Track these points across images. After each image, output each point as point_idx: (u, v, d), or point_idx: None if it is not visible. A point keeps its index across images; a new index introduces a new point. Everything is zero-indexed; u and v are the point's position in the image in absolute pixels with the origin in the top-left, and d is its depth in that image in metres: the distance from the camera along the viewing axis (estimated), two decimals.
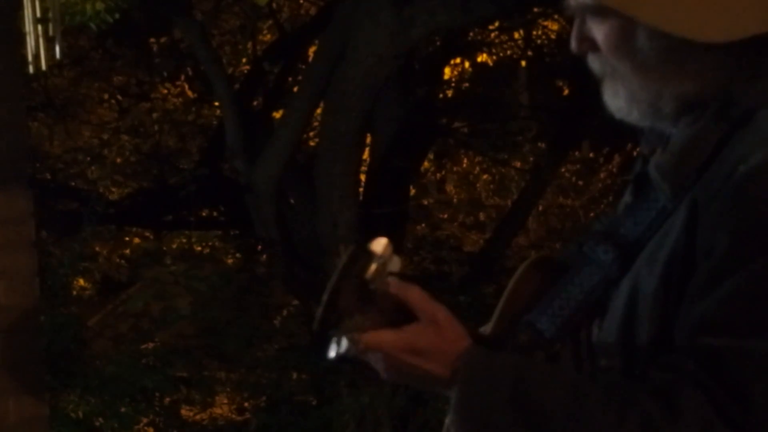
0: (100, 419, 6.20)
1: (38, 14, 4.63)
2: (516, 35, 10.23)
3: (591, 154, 10.83)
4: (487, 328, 1.58)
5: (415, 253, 9.22)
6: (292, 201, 7.40)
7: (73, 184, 9.79)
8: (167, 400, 6.71)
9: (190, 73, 9.97)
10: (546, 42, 10.15)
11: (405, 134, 8.07)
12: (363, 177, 7.98)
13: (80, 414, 6.14)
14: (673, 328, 1.38)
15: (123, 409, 6.24)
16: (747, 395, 1.30)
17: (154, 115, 10.19)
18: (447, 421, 1.51)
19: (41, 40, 4.66)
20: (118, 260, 9.68)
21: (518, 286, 1.57)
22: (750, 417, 1.30)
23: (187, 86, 10.21)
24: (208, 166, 8.82)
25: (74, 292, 8.21)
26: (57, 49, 4.74)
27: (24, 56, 4.67)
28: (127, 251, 9.95)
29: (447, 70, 10.07)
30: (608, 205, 10.11)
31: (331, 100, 6.61)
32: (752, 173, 1.34)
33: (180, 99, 10.33)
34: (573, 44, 1.50)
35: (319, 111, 7.29)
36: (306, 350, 6.65)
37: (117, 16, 5.82)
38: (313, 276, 6.52)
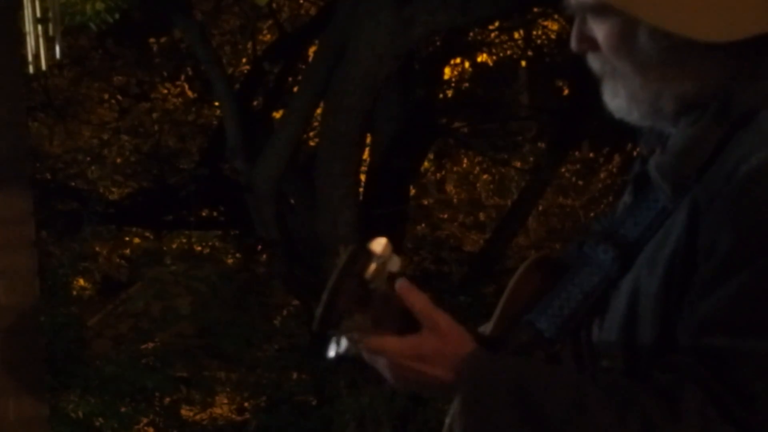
0: (100, 419, 6.20)
1: (38, 14, 4.63)
2: (516, 35, 10.24)
3: (591, 154, 10.83)
4: (487, 328, 1.58)
5: (415, 253, 9.22)
6: (292, 201, 7.40)
7: (73, 184, 9.79)
8: (167, 400, 6.71)
9: (190, 73, 9.98)
10: (546, 42, 10.15)
11: (405, 134, 8.07)
12: (363, 177, 7.98)
13: (80, 414, 6.14)
14: (674, 328, 1.38)
15: (123, 409, 6.24)
16: (749, 395, 1.30)
17: (154, 115, 10.19)
18: (447, 421, 1.51)
19: (41, 40, 4.66)
20: (118, 260, 9.69)
21: (518, 286, 1.57)
22: (752, 417, 1.30)
23: (187, 86, 10.21)
24: (208, 166, 8.82)
25: (74, 292, 8.21)
26: (57, 49, 4.74)
27: (24, 56, 4.67)
28: (127, 251, 9.96)
29: (447, 70, 10.07)
30: (608, 205, 10.11)
31: (331, 100, 6.61)
32: (753, 173, 1.33)
33: (180, 99, 10.34)
34: (573, 44, 1.49)
35: (319, 111, 7.29)
36: (306, 350, 6.65)
37: (117, 16, 5.82)
38: (313, 276, 6.52)
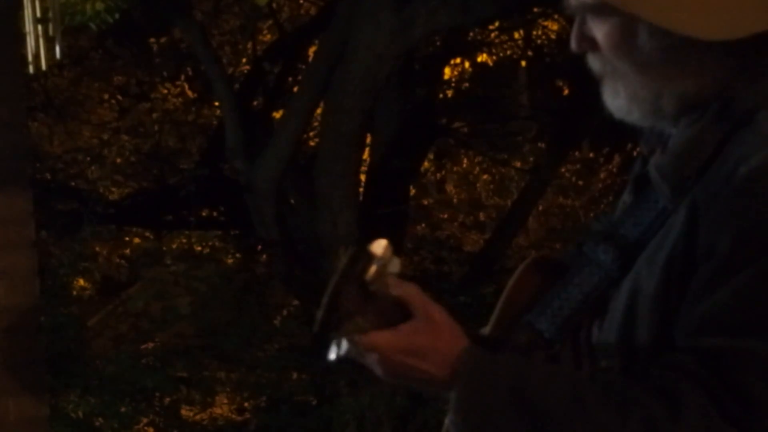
0: (100, 419, 6.20)
1: (38, 14, 4.63)
2: (516, 35, 10.23)
3: (591, 154, 10.81)
4: (486, 329, 1.58)
5: (415, 253, 9.21)
6: (292, 201, 7.39)
7: (73, 184, 9.78)
8: (167, 400, 6.71)
9: (190, 73, 9.97)
10: (546, 42, 10.15)
11: (405, 134, 8.07)
12: (363, 177, 7.98)
13: (80, 414, 6.14)
14: (673, 328, 1.38)
15: (123, 409, 6.24)
16: (748, 395, 1.30)
17: (154, 115, 10.18)
18: (447, 421, 1.50)
19: (41, 40, 4.66)
20: (118, 260, 9.68)
21: (517, 287, 1.57)
22: (751, 416, 1.30)
23: (187, 86, 10.21)
24: (208, 166, 8.82)
25: (74, 292, 8.20)
26: (57, 49, 4.74)
27: (24, 56, 4.67)
28: (127, 251, 9.94)
29: (447, 70, 10.06)
30: (608, 205, 10.10)
31: (331, 100, 6.61)
32: (753, 174, 1.33)
33: (180, 99, 10.33)
34: (573, 43, 1.49)
35: (319, 111, 7.29)
36: (306, 350, 6.65)
37: (117, 16, 5.82)
38: (313, 276, 6.52)
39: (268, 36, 10.26)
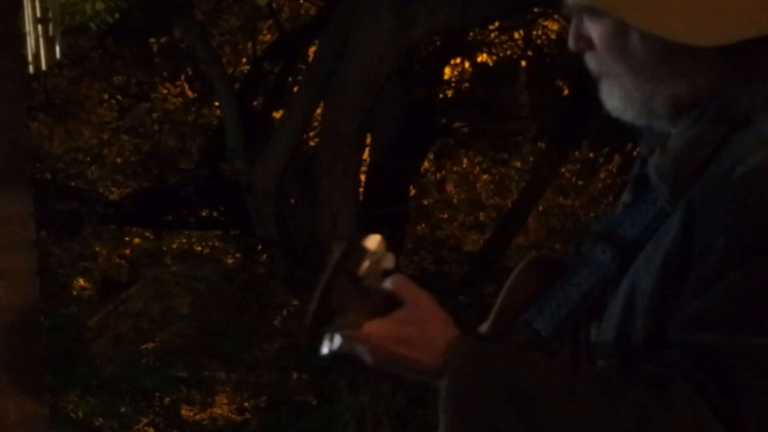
0: (100, 419, 6.19)
1: (38, 14, 4.64)
2: (516, 35, 10.23)
3: (591, 154, 10.82)
4: (484, 327, 1.58)
5: (415, 253, 9.22)
6: (292, 201, 7.39)
7: (73, 184, 9.78)
8: (167, 400, 6.70)
9: (190, 73, 9.97)
10: (546, 42, 10.15)
11: (405, 134, 8.07)
12: (363, 177, 7.98)
13: (80, 414, 6.14)
14: (668, 326, 1.39)
15: (123, 409, 6.23)
16: (736, 389, 1.31)
17: (154, 115, 10.19)
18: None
19: (41, 40, 4.67)
20: (118, 260, 9.67)
21: (516, 286, 1.57)
22: (740, 411, 1.31)
23: (187, 86, 10.21)
24: (208, 166, 8.82)
25: (74, 292, 8.20)
26: (57, 49, 4.75)
27: (24, 56, 4.67)
28: (127, 251, 9.94)
29: (447, 70, 10.07)
30: (608, 205, 10.10)
31: (331, 100, 6.61)
32: (749, 175, 1.34)
33: (180, 99, 10.33)
34: (570, 43, 1.51)
35: (319, 111, 7.29)
36: (306, 350, 6.64)
37: (117, 16, 5.82)
38: (313, 276, 6.51)
39: (268, 36, 10.26)
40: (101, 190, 9.43)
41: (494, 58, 10.35)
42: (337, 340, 1.46)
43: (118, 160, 10.05)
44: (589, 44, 1.48)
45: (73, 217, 7.54)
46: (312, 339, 1.55)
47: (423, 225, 10.40)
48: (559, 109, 9.93)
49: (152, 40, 9.64)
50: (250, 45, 9.76)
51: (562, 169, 10.44)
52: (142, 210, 9.65)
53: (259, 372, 6.97)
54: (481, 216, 11.31)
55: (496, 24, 9.57)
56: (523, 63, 10.37)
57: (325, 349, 1.48)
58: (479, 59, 10.28)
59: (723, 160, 1.39)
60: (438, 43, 9.21)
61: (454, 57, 9.99)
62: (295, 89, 8.04)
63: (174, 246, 9.24)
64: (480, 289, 7.84)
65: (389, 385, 5.94)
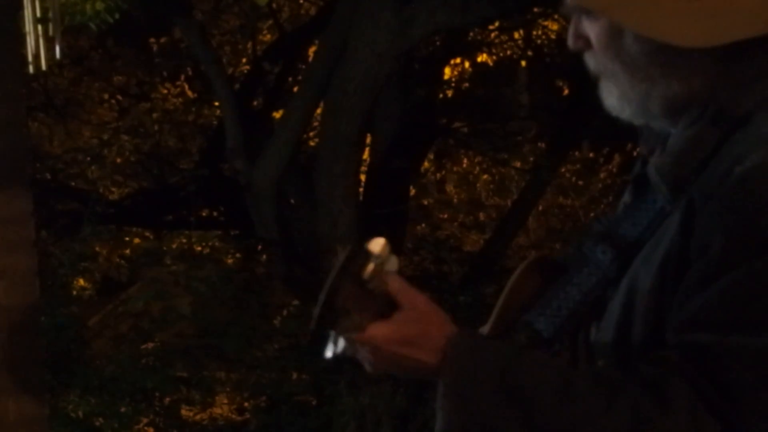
0: (100, 419, 6.19)
1: (38, 14, 4.64)
2: (516, 35, 10.24)
3: (591, 154, 10.83)
4: (485, 328, 1.58)
5: (415, 253, 9.22)
6: (292, 201, 7.39)
7: (73, 184, 9.79)
8: (167, 400, 6.70)
9: (190, 73, 9.98)
10: (546, 42, 10.16)
11: (405, 134, 8.07)
12: (363, 177, 7.98)
13: (80, 414, 6.14)
14: (666, 326, 1.39)
15: (123, 409, 6.23)
16: (734, 389, 1.31)
17: (154, 115, 10.19)
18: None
19: (41, 40, 4.67)
20: (118, 260, 9.67)
21: (516, 286, 1.57)
22: (736, 410, 1.31)
23: (187, 86, 10.22)
24: (208, 166, 8.82)
25: (74, 292, 8.20)
26: (57, 49, 4.75)
27: (24, 56, 4.67)
28: (127, 251, 9.94)
29: (447, 70, 10.07)
30: (608, 205, 10.11)
31: (331, 100, 6.61)
32: (748, 174, 1.34)
33: (180, 99, 10.34)
34: (569, 41, 1.51)
35: (319, 111, 7.29)
36: (306, 350, 6.65)
37: (117, 16, 5.82)
38: (313, 276, 6.52)
39: (268, 36, 10.27)
40: (101, 190, 9.43)
41: (494, 58, 10.35)
42: (341, 342, 1.46)
43: (118, 160, 10.05)
44: (587, 44, 1.49)
45: (73, 217, 7.55)
46: (315, 341, 1.54)
47: (423, 225, 10.41)
48: (559, 109, 9.93)
49: (152, 40, 9.64)
50: (250, 45, 9.76)
51: (562, 169, 10.44)
52: (142, 210, 9.65)
53: (259, 372, 6.97)
54: (481, 216, 11.32)
55: (496, 24, 9.57)
56: (523, 63, 10.38)
57: (329, 352, 1.48)
58: (479, 59, 10.29)
59: (722, 160, 1.39)
60: (438, 43, 9.21)
61: (454, 57, 9.99)
62: (295, 89, 8.04)
63: (174, 246, 9.25)
64: (480, 289, 7.84)
65: (389, 385, 5.95)
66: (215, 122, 9.88)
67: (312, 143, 9.01)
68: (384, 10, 6.14)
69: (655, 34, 1.40)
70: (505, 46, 10.43)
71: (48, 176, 9.51)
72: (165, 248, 8.86)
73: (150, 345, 6.87)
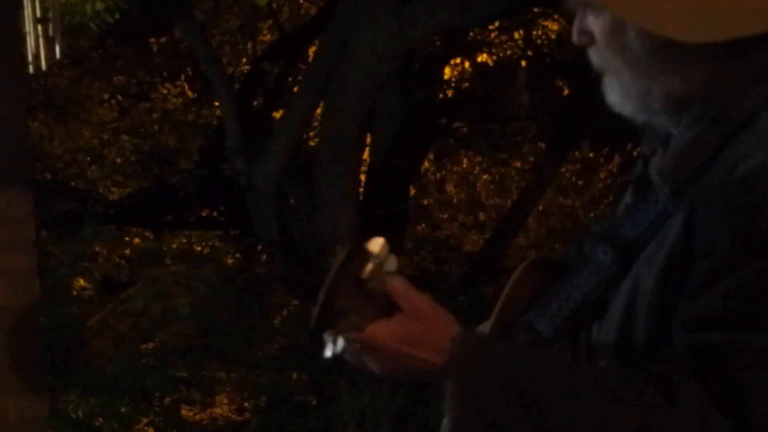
0: (100, 419, 6.19)
1: (38, 14, 4.64)
2: (516, 35, 10.24)
3: (591, 154, 10.83)
4: (485, 328, 1.58)
5: (415, 253, 9.22)
6: (292, 201, 7.40)
7: (73, 184, 9.79)
8: (167, 400, 6.70)
9: (190, 73, 9.99)
10: (546, 42, 10.16)
11: (405, 134, 8.07)
12: (363, 177, 7.98)
13: (80, 414, 6.13)
14: (669, 327, 1.39)
15: (123, 409, 6.23)
16: (741, 388, 1.31)
17: (154, 115, 10.20)
18: (445, 421, 1.50)
19: (41, 40, 4.67)
20: (118, 260, 9.67)
21: (517, 287, 1.57)
22: (746, 408, 1.31)
23: (187, 86, 10.22)
24: (208, 166, 8.82)
25: (74, 292, 8.20)
26: (57, 49, 4.75)
27: (24, 56, 4.67)
28: (127, 251, 9.94)
29: (447, 70, 10.08)
30: (608, 205, 10.12)
31: (331, 100, 6.61)
32: (751, 173, 1.34)
33: (180, 99, 10.34)
34: (574, 36, 1.52)
35: (319, 111, 7.29)
36: (306, 350, 6.64)
37: (117, 16, 5.82)
38: (313, 276, 6.52)
39: (268, 36, 10.27)
40: (101, 190, 9.44)
41: (494, 58, 10.36)
42: (341, 342, 1.46)
43: (118, 160, 10.06)
44: (591, 39, 1.50)
45: (73, 217, 7.53)
46: (315, 342, 1.53)
47: (423, 225, 10.41)
48: (559, 109, 9.93)
49: (152, 40, 9.65)
50: (250, 45, 9.77)
51: (562, 169, 10.44)
52: (142, 210, 9.65)
53: (259, 372, 6.96)
54: (481, 216, 11.32)
55: (496, 24, 9.58)
56: (523, 63, 10.38)
57: (328, 352, 1.48)
58: (479, 59, 10.29)
59: (725, 160, 1.38)
60: (438, 43, 9.21)
61: (454, 57, 9.99)
62: (295, 89, 8.04)
63: (174, 246, 9.24)
64: (480, 289, 7.84)
65: (389, 385, 5.94)
66: (215, 122, 9.88)
67: (312, 143, 9.01)
68: (384, 10, 6.15)
69: (657, 30, 1.40)
70: (505, 46, 10.43)
71: (48, 176, 9.51)
72: (165, 248, 8.85)
73: (150, 345, 6.87)
